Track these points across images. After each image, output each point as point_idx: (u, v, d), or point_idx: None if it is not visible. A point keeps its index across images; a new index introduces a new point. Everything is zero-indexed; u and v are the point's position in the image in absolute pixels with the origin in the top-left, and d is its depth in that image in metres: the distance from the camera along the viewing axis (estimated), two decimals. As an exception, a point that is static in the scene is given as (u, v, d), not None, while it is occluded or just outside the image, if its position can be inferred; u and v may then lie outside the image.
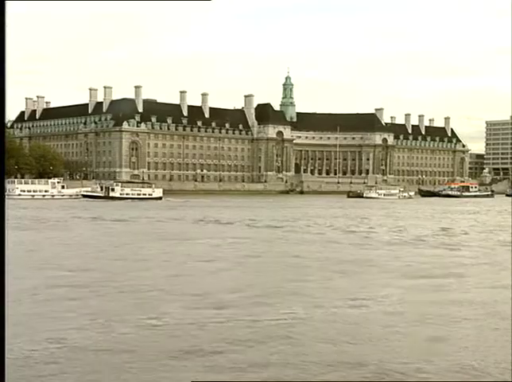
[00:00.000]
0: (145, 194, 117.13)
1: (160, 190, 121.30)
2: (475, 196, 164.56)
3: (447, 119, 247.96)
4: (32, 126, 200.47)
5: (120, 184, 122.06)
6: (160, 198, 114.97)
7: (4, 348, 3.97)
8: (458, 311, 16.71)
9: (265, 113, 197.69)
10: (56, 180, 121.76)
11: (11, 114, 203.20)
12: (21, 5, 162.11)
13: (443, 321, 15.42)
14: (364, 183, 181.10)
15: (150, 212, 71.12)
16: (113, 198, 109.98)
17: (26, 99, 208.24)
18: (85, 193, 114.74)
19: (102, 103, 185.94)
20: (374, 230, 46.58)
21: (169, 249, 31.96)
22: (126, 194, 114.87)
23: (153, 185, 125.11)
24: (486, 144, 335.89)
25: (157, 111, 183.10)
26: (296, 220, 58.27)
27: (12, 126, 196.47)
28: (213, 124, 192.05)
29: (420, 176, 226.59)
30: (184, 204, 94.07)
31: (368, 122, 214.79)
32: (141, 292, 19.10)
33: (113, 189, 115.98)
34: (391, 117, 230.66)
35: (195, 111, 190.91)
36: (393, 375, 11.08)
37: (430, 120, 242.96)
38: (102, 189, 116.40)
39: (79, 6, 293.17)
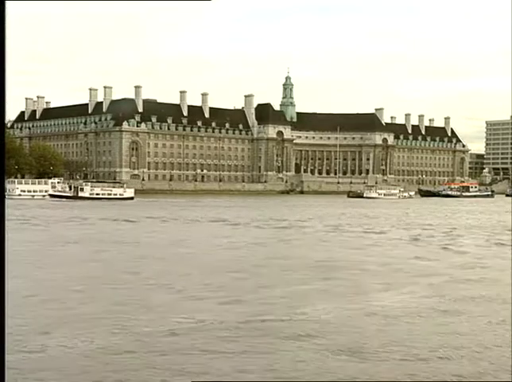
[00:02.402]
0: (115, 194, 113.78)
1: (132, 190, 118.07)
2: (475, 196, 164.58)
3: (447, 119, 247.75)
4: (33, 126, 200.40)
5: (90, 183, 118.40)
6: (131, 198, 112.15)
7: (4, 348, 3.96)
8: None
9: (265, 113, 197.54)
10: (56, 180, 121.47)
11: (11, 115, 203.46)
12: (21, 6, 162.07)
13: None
14: (364, 183, 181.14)
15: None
16: (82, 198, 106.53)
17: (26, 99, 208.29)
18: (52, 193, 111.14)
19: (102, 103, 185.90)
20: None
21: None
22: (96, 194, 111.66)
23: (125, 185, 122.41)
24: (486, 144, 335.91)
25: (157, 111, 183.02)
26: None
27: (12, 126, 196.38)
28: (213, 124, 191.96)
29: (420, 176, 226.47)
30: (153, 205, 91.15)
31: (368, 122, 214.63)
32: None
33: (82, 189, 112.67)
34: (391, 117, 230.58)
35: (195, 111, 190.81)
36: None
37: (430, 120, 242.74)
38: (71, 189, 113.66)
39: (79, 6, 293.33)
